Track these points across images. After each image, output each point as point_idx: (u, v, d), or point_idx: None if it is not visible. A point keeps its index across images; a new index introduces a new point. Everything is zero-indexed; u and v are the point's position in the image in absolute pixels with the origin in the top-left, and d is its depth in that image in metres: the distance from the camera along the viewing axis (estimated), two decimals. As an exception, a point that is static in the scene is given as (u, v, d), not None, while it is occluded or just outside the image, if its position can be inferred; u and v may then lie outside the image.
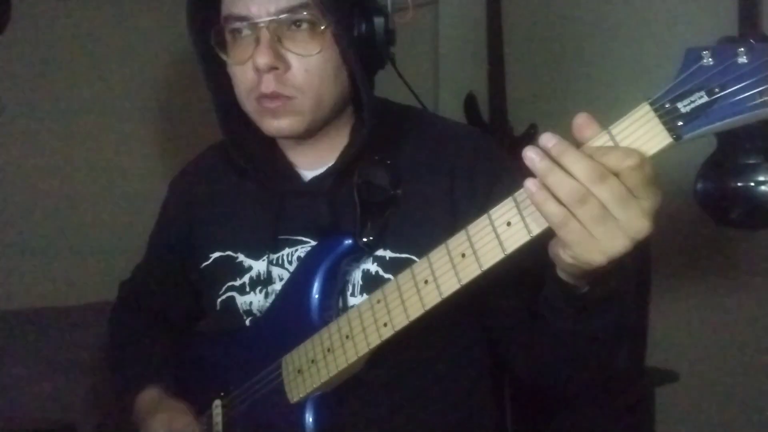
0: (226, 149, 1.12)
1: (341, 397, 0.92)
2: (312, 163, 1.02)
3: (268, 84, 0.90)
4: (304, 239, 0.99)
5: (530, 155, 0.64)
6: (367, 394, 0.95)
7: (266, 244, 1.00)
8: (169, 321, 1.19)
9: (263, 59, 0.88)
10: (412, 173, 0.97)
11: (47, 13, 1.90)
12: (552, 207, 0.64)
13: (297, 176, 1.02)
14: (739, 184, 1.60)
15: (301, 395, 0.91)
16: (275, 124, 0.93)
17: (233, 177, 1.08)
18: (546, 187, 0.64)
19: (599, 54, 2.05)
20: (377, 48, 0.94)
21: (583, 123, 0.65)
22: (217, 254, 1.06)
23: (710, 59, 0.59)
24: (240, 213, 1.05)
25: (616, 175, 0.62)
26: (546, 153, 0.64)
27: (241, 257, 1.03)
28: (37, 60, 1.89)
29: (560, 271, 0.73)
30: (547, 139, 0.64)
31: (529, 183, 0.65)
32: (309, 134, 0.97)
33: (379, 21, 0.94)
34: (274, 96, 0.90)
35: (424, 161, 0.98)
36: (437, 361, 0.99)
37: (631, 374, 1.64)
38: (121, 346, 1.19)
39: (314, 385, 0.89)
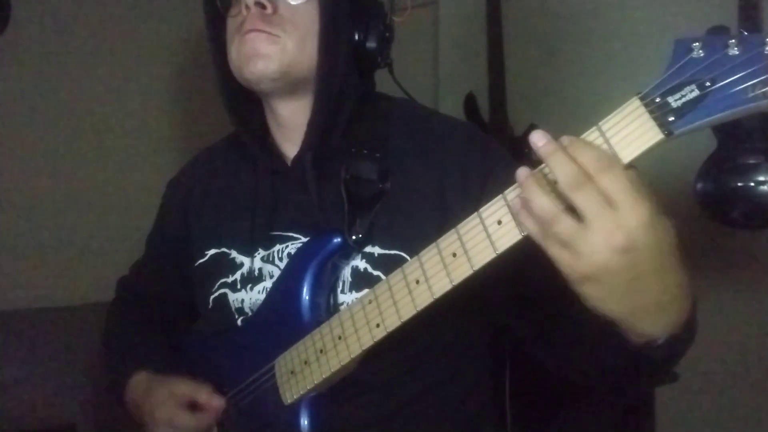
0: (224, 146, 1.13)
1: (336, 397, 0.92)
2: (294, 151, 1.01)
3: (253, 20, 0.91)
4: (295, 235, 0.99)
5: (535, 138, 0.63)
6: (362, 394, 0.94)
7: (257, 240, 1.00)
8: (165, 319, 1.19)
9: None
10: (401, 167, 0.95)
11: (48, 11, 1.90)
12: (530, 223, 0.64)
13: (284, 163, 1.02)
14: (739, 184, 1.59)
15: (295, 396, 0.90)
16: (253, 59, 0.92)
17: (230, 173, 1.08)
18: (525, 199, 0.64)
19: (599, 54, 2.04)
20: (368, 35, 0.96)
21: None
22: (212, 251, 1.06)
23: (700, 51, 0.57)
24: (234, 210, 1.05)
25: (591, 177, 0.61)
26: (540, 149, 0.63)
27: (233, 254, 1.03)
28: (38, 59, 1.89)
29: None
30: (537, 138, 0.63)
31: (515, 201, 0.65)
32: (286, 89, 0.97)
33: (374, 10, 0.97)
34: (258, 30, 0.91)
35: (415, 155, 0.96)
36: (433, 361, 0.98)
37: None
38: (112, 338, 1.19)
39: (308, 387, 0.89)
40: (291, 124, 1.00)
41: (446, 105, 2.33)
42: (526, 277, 0.89)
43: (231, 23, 0.97)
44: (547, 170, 0.64)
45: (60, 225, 1.91)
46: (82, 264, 1.93)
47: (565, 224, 0.61)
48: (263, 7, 0.91)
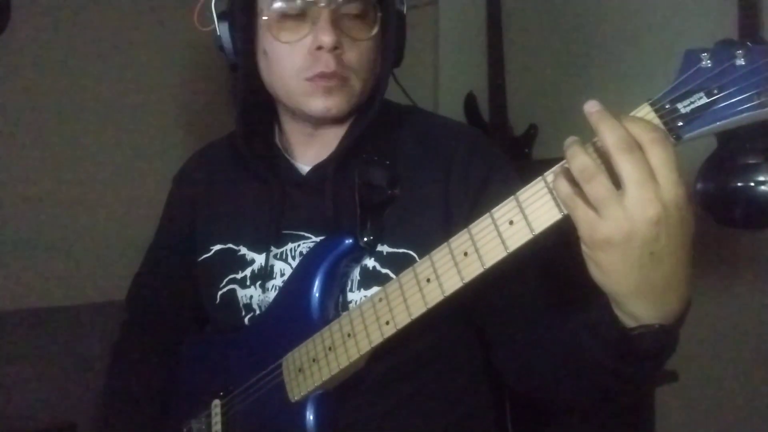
0: (228, 144, 1.13)
1: (342, 395, 0.93)
2: (312, 156, 1.02)
3: (329, 63, 0.91)
4: (306, 234, 1.00)
5: (588, 106, 0.64)
6: (368, 392, 0.95)
7: (270, 238, 1.01)
8: (177, 327, 1.17)
9: (329, 37, 0.89)
10: (409, 170, 0.98)
11: (48, 11, 1.90)
12: (563, 185, 0.64)
13: (296, 170, 1.03)
14: (739, 184, 1.60)
15: (302, 394, 0.91)
16: (325, 103, 0.93)
17: (236, 170, 1.08)
18: (567, 163, 0.64)
19: (599, 54, 2.05)
20: (399, 47, 0.99)
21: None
22: (218, 246, 1.06)
23: (709, 61, 0.60)
24: (243, 206, 1.06)
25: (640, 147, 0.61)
26: (594, 114, 0.63)
27: (243, 250, 1.04)
28: (38, 59, 1.89)
29: (614, 306, 0.70)
30: (591, 105, 0.64)
31: (555, 169, 0.66)
32: (346, 117, 0.99)
33: (400, 22, 0.98)
34: (333, 75, 0.92)
35: (421, 159, 0.99)
36: (437, 361, 0.99)
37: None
38: (113, 398, 1.15)
39: (315, 384, 0.89)
40: (318, 135, 1.02)
41: (446, 105, 2.34)
42: (505, 286, 0.91)
43: (287, 52, 0.93)
44: (594, 139, 0.64)
45: (60, 225, 1.91)
46: (82, 264, 1.92)
47: (602, 184, 0.62)
48: (336, 48, 0.91)
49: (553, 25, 2.17)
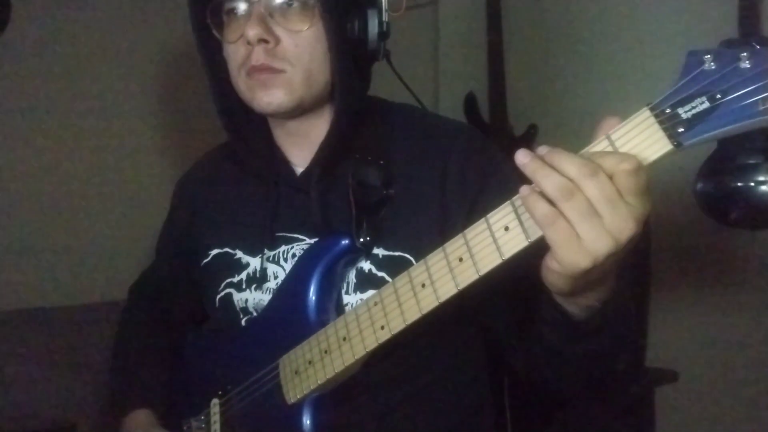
0: (226, 149, 1.13)
1: (339, 397, 0.92)
2: (305, 157, 1.02)
3: (258, 56, 0.91)
4: (300, 236, 0.99)
5: (520, 158, 0.64)
6: (365, 394, 0.95)
7: (263, 241, 1.01)
8: (176, 323, 1.19)
9: (253, 30, 0.90)
10: (404, 171, 0.97)
11: (47, 12, 1.89)
12: (542, 206, 0.63)
13: (291, 171, 1.03)
14: (739, 184, 1.60)
15: (298, 396, 0.91)
16: (265, 98, 0.93)
17: (234, 174, 1.08)
18: (536, 186, 0.63)
19: (599, 54, 2.05)
20: (368, 38, 0.95)
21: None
22: (215, 251, 1.07)
23: (712, 63, 0.57)
24: (239, 210, 1.06)
25: (611, 177, 0.61)
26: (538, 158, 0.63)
27: (239, 254, 1.04)
28: (38, 60, 1.88)
29: (557, 296, 0.74)
30: (540, 149, 0.64)
31: (523, 187, 0.65)
32: (298, 112, 0.97)
33: (371, 11, 0.95)
34: (263, 68, 0.92)
35: (416, 159, 0.97)
36: (435, 362, 0.99)
37: (631, 374, 1.64)
38: (120, 360, 1.19)
39: (311, 387, 0.89)
40: (302, 134, 1.02)
41: (446, 105, 2.34)
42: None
43: (232, 51, 0.95)
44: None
45: (61, 225, 1.91)
46: (83, 264, 1.92)
47: (583, 199, 0.62)
48: (266, 41, 0.91)
49: (553, 25, 2.17)
